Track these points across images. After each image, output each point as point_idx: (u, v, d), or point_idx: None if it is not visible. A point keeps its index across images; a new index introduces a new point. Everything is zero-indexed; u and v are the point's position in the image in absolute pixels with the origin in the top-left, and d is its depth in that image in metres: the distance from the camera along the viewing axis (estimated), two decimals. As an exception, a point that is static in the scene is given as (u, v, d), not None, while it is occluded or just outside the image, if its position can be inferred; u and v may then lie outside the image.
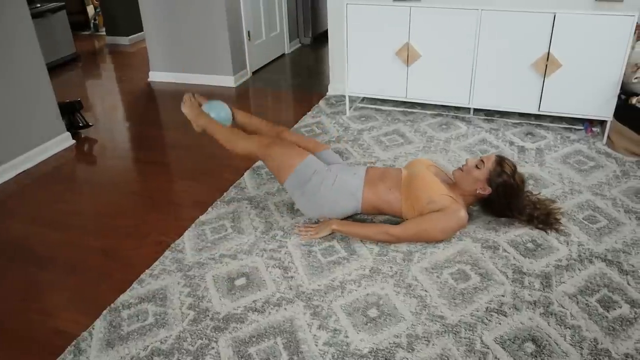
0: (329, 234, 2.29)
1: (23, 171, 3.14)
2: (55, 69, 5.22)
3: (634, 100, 2.98)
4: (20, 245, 2.43)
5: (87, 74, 5.36)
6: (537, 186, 2.68)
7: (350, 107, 3.79)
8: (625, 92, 3.12)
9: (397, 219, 2.34)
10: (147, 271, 2.16)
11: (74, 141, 3.52)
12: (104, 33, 6.69)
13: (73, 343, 1.81)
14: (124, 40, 6.42)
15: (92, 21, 7.15)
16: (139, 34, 6.33)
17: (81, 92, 4.63)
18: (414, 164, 2.41)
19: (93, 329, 1.87)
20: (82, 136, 3.64)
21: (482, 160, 2.25)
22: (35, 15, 4.41)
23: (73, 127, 3.61)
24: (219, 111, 2.62)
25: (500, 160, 2.25)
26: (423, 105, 3.74)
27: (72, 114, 3.63)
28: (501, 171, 2.21)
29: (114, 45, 6.39)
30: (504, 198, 2.26)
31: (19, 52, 3.11)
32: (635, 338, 1.73)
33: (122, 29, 6.36)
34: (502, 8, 3.06)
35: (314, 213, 2.34)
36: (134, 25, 6.20)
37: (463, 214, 2.20)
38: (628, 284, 1.98)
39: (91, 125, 3.73)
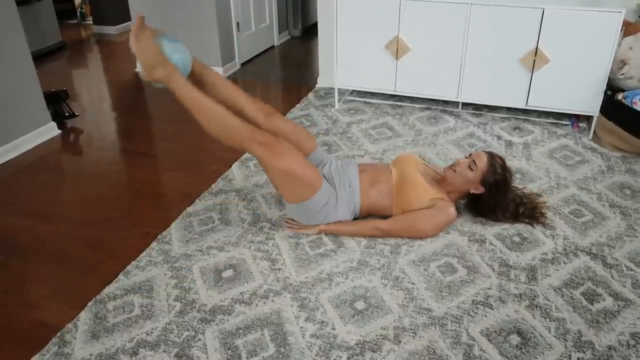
0: (316, 234, 2.28)
1: (7, 161, 3.09)
2: (40, 58, 5.13)
3: (620, 96, 3.01)
4: (4, 236, 2.40)
5: (74, 63, 5.29)
6: (523, 180, 2.70)
7: (339, 100, 3.78)
8: (612, 88, 3.15)
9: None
10: (133, 262, 2.14)
11: (59, 131, 3.48)
12: (91, 22, 6.59)
13: (57, 335, 1.80)
14: (111, 30, 6.34)
15: (79, 10, 7.05)
16: (127, 23, 6.25)
17: (67, 82, 4.57)
18: (402, 161, 2.39)
19: (78, 320, 1.85)
20: (68, 126, 3.59)
21: (474, 161, 2.22)
22: (20, 3, 4.33)
23: (59, 117, 3.56)
24: (182, 51, 1.92)
25: (492, 159, 2.24)
26: (412, 99, 3.75)
27: (58, 103, 3.57)
28: (494, 171, 2.21)
29: (101, 35, 6.30)
30: (494, 196, 2.26)
31: (4, 40, 3.06)
32: (618, 330, 1.76)
33: (110, 18, 6.27)
34: (491, 3, 3.07)
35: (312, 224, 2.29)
36: (122, 14, 6.12)
37: (452, 210, 2.22)
38: (612, 277, 2.00)
39: (77, 115, 3.68)
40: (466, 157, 2.29)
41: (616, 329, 1.76)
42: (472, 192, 2.26)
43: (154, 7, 4.45)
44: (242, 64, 4.88)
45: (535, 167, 2.84)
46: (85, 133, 3.53)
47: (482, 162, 2.22)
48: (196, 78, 2.10)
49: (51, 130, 3.43)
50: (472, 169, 2.22)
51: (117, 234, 2.37)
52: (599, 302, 1.88)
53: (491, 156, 2.25)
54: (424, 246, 2.19)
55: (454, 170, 2.25)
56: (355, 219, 2.31)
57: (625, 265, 2.07)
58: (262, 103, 2.26)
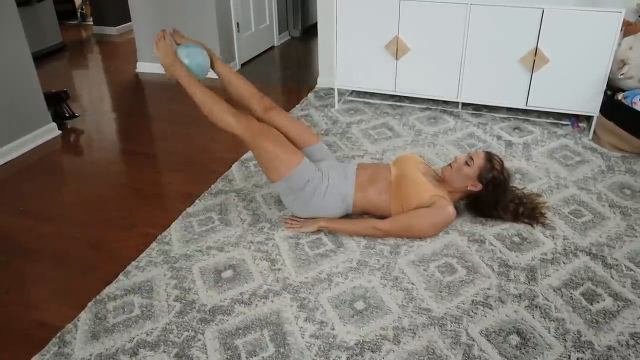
0: (315, 231, 2.29)
1: (7, 162, 3.09)
2: (41, 58, 5.14)
3: (619, 96, 3.01)
4: (4, 236, 2.40)
5: (74, 64, 5.29)
6: (523, 180, 2.70)
7: (339, 100, 3.78)
8: (612, 88, 3.15)
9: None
10: (133, 263, 2.14)
11: (60, 132, 3.48)
12: (91, 23, 6.60)
13: (57, 335, 1.80)
14: (111, 30, 6.34)
15: (79, 10, 7.06)
16: (127, 24, 6.25)
17: (67, 82, 4.57)
18: (402, 161, 2.39)
19: (78, 320, 1.86)
20: (69, 127, 3.60)
21: (471, 157, 2.25)
22: (21, 3, 4.34)
23: (59, 117, 3.57)
24: (195, 56, 2.35)
25: (490, 157, 2.26)
26: (412, 99, 3.75)
27: (58, 104, 3.58)
28: (491, 167, 2.22)
29: (101, 35, 6.31)
30: (493, 194, 2.27)
31: (4, 41, 3.06)
32: (618, 330, 1.76)
33: (110, 18, 6.28)
34: (491, 3, 3.07)
35: (304, 215, 2.32)
36: (122, 15, 6.13)
37: (451, 209, 2.21)
38: (611, 277, 2.00)
39: (77, 116, 3.69)
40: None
41: (616, 329, 1.76)
42: (469, 188, 2.26)
43: (154, 7, 4.45)
44: (242, 65, 4.88)
45: (535, 167, 2.84)
46: (85, 134, 3.53)
47: (479, 158, 2.24)
48: (217, 73, 2.51)
49: (51, 131, 3.43)
50: (468, 164, 2.23)
51: (117, 234, 2.37)
52: (598, 302, 1.88)
53: (489, 154, 2.26)
54: (424, 246, 2.19)
55: (451, 167, 2.26)
56: (348, 215, 2.32)
57: (625, 265, 2.07)
58: (266, 100, 2.47)
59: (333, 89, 3.80)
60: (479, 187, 2.25)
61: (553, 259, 2.11)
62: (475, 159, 2.24)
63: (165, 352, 1.71)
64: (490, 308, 1.86)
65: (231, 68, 2.52)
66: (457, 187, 2.27)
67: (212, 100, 2.25)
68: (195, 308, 1.89)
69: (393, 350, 1.70)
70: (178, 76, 2.31)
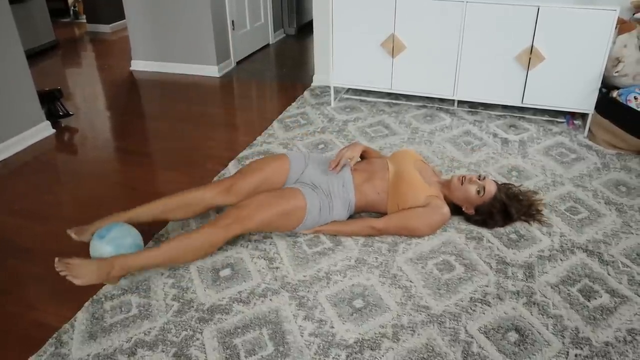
0: (311, 235, 2.27)
1: (1, 161, 3.07)
2: (34, 56, 5.10)
3: (614, 94, 3.02)
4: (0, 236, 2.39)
5: (67, 62, 5.26)
6: (520, 178, 2.71)
7: (335, 98, 3.78)
8: (607, 85, 3.16)
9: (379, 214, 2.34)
10: (130, 262, 2.13)
11: (54, 130, 3.45)
12: (85, 20, 6.56)
13: (54, 335, 1.79)
14: (105, 28, 6.31)
15: (72, 8, 7.01)
16: (121, 22, 6.22)
17: (61, 81, 4.54)
18: (400, 156, 2.38)
19: (75, 321, 1.84)
20: (63, 125, 3.57)
21: (484, 189, 2.20)
22: (13, 1, 4.30)
23: (53, 116, 3.54)
24: (122, 239, 1.93)
25: (498, 193, 2.22)
26: (408, 97, 3.75)
27: (52, 102, 3.55)
28: (492, 204, 2.21)
29: (95, 33, 6.27)
30: (481, 221, 2.27)
31: (-3, 38, 3.04)
32: (615, 327, 1.77)
33: (103, 16, 6.25)
34: (486, 0, 3.07)
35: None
36: (116, 12, 6.09)
37: (446, 210, 2.21)
38: (608, 274, 2.01)
39: (72, 114, 3.66)
40: (480, 178, 2.23)
41: (613, 325, 1.77)
42: (464, 210, 2.27)
43: (148, 5, 4.43)
44: (238, 63, 4.87)
45: (531, 164, 2.85)
46: (79, 132, 3.51)
47: (490, 195, 2.21)
48: (156, 219, 2.17)
49: (45, 129, 3.40)
50: (479, 194, 2.20)
51: (114, 233, 2.35)
52: (595, 298, 1.89)
53: (499, 190, 2.24)
54: (422, 244, 2.20)
55: (462, 184, 2.24)
56: (350, 216, 2.31)
57: (621, 262, 2.08)
58: (218, 185, 2.22)
59: (329, 87, 3.80)
60: (471, 212, 2.26)
61: (550, 256, 2.12)
62: (487, 193, 2.20)
63: (163, 351, 1.70)
64: (488, 305, 1.87)
65: (160, 203, 2.16)
66: (454, 198, 2.28)
67: (180, 245, 1.94)
68: (193, 307, 1.89)
69: (392, 348, 1.70)
70: (128, 270, 1.89)
